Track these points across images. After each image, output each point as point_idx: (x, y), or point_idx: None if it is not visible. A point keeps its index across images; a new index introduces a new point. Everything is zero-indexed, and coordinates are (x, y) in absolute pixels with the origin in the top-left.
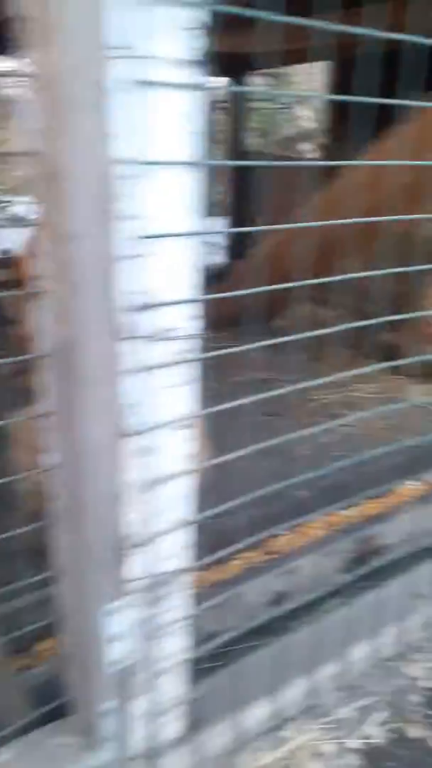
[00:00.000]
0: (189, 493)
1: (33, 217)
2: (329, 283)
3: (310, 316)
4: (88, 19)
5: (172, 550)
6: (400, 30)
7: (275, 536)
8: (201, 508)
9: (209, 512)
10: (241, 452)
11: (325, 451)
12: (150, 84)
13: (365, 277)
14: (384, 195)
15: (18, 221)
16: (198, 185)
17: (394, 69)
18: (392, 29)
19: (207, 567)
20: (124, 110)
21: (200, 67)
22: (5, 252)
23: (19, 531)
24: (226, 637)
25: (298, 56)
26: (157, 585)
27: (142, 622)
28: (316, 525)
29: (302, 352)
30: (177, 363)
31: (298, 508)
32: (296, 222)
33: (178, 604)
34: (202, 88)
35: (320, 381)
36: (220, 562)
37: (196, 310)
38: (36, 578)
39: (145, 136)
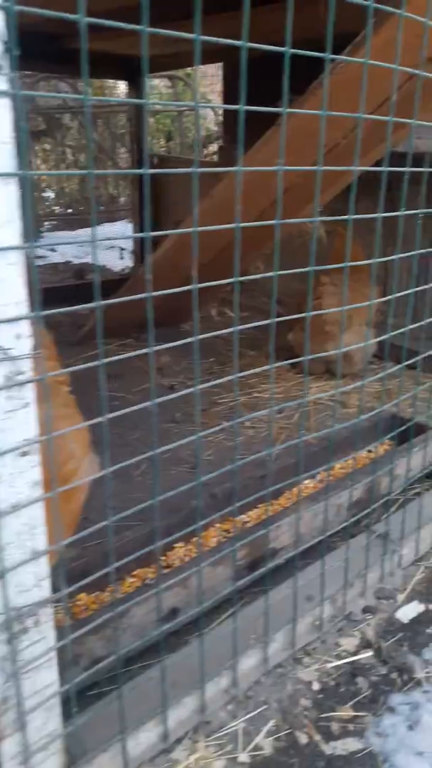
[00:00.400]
0: (41, 522)
1: None
2: (227, 284)
3: (218, 320)
4: None
5: (31, 581)
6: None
7: (171, 549)
8: (93, 524)
9: (67, 540)
10: (126, 464)
11: (227, 455)
12: None
13: (270, 279)
14: (268, 197)
15: None
16: (16, 197)
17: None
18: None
19: (99, 588)
20: None
21: (9, 72)
22: None
23: None
24: (107, 662)
25: (191, 59)
26: (17, 619)
27: (4, 659)
28: (212, 534)
29: (211, 357)
30: (11, 386)
31: (195, 518)
32: (188, 225)
33: (43, 636)
34: (6, 94)
35: (213, 383)
36: (110, 582)
37: (28, 328)
38: None
39: None
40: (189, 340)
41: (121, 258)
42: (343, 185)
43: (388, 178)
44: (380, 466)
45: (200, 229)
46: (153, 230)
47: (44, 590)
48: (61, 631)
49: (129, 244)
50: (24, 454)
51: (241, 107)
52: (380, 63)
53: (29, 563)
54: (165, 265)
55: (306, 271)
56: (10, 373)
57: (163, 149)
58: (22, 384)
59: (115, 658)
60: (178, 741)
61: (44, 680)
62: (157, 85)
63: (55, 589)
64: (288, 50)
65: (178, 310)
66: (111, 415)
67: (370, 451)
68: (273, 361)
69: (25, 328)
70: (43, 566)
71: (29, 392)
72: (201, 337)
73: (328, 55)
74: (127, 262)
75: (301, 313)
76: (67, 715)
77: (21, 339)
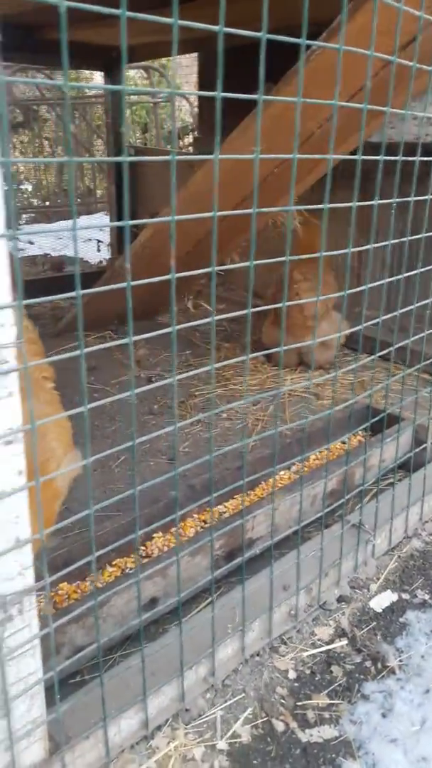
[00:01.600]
0: (25, 511)
1: None
2: (203, 277)
3: (194, 312)
4: None
5: (14, 569)
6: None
7: (150, 539)
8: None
9: (51, 529)
10: (106, 453)
11: (205, 446)
12: None
13: (246, 272)
14: (247, 187)
15: None
16: (2, 184)
17: (252, 61)
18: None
19: (79, 577)
20: None
21: None
22: None
23: None
24: (88, 650)
25: (168, 49)
26: (1, 607)
27: None
28: (190, 524)
29: (187, 349)
30: None
31: (173, 508)
32: (166, 216)
33: (26, 624)
34: None
35: (190, 374)
36: (91, 571)
37: (12, 317)
38: None
39: None
40: (166, 330)
41: (99, 250)
42: (318, 176)
43: (363, 170)
44: (354, 457)
45: (179, 218)
46: (134, 225)
47: (28, 579)
48: (44, 619)
49: (106, 237)
50: (8, 443)
51: (218, 94)
52: (355, 49)
53: (13, 552)
54: (142, 256)
55: (282, 261)
56: None
57: (139, 141)
58: (5, 373)
59: (96, 646)
60: (159, 728)
61: (28, 667)
62: (132, 76)
63: (37, 577)
64: (264, 35)
65: (154, 302)
66: (92, 405)
67: (343, 443)
68: (249, 352)
69: (8, 317)
70: (27, 555)
71: (13, 381)
72: (179, 327)
73: (303, 41)
74: (104, 254)
75: (275, 305)
76: (49, 702)
77: (4, 328)
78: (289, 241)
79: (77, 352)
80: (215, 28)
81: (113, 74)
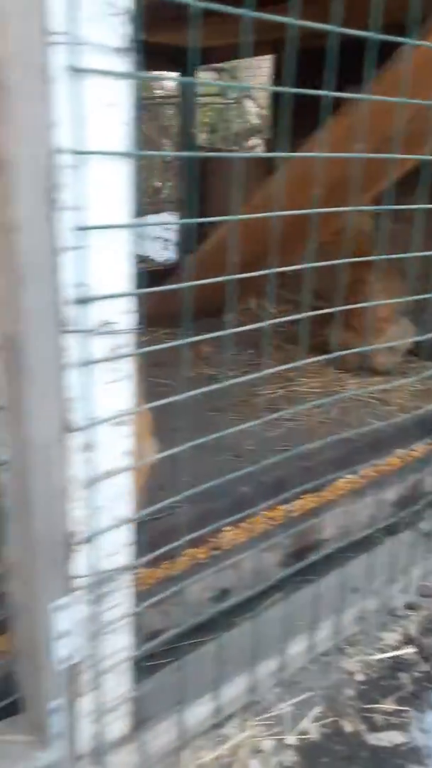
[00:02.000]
0: (129, 490)
1: None
2: (273, 278)
3: (258, 312)
4: (28, 4)
5: (115, 547)
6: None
7: (220, 532)
8: (150, 504)
9: (150, 509)
10: (179, 449)
11: (268, 445)
12: (87, 71)
13: (313, 274)
14: (321, 189)
15: None
16: (132, 177)
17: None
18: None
19: (154, 564)
20: (64, 98)
21: (133, 55)
22: None
23: None
24: (170, 634)
25: (245, 50)
26: (101, 582)
27: (87, 620)
28: (259, 520)
29: (250, 349)
30: (115, 358)
31: (242, 503)
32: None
33: (121, 602)
34: (136, 76)
35: (256, 375)
36: (167, 558)
37: (133, 304)
38: None
39: (82, 126)
40: (257, 325)
41: (165, 249)
42: (390, 181)
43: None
44: (426, 464)
45: (276, 214)
46: (200, 224)
47: (126, 557)
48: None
49: (171, 236)
50: (119, 424)
51: (328, 93)
52: None
53: (115, 530)
54: (214, 254)
55: (358, 262)
56: (114, 346)
57: (206, 142)
58: (124, 357)
59: (177, 630)
60: (229, 718)
61: (120, 644)
62: (204, 76)
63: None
64: (374, 35)
65: (216, 301)
66: (189, 394)
67: (413, 450)
68: (337, 349)
69: (128, 304)
70: (127, 533)
71: (129, 365)
72: (271, 322)
73: (411, 41)
74: (170, 253)
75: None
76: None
77: (126, 314)
78: (373, 242)
79: (177, 342)
80: (329, 27)
81: (188, 75)
